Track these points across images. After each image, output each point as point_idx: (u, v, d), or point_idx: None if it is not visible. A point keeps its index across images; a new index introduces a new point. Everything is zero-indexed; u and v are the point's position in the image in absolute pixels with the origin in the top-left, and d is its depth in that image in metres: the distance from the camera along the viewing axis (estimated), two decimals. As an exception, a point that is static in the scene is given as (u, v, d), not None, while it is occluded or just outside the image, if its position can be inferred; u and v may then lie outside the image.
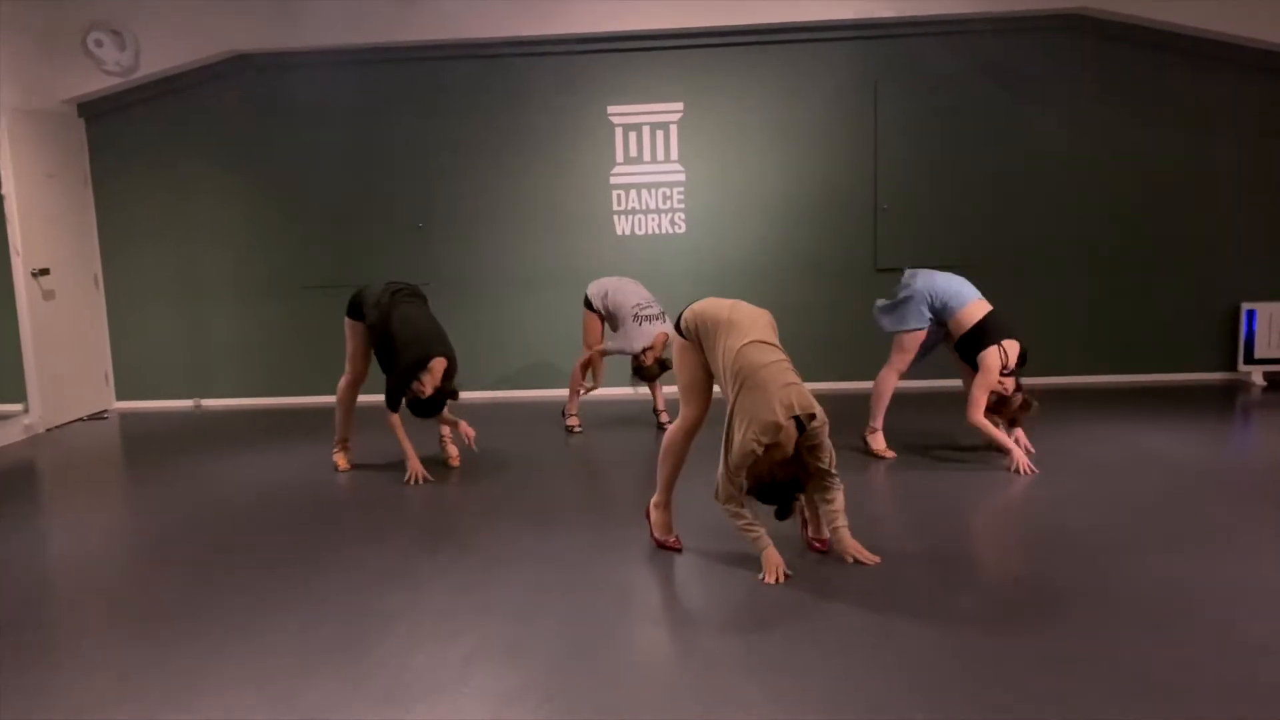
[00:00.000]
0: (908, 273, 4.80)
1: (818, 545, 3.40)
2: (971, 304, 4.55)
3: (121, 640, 2.93)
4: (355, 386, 4.89)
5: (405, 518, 4.06)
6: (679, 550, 3.45)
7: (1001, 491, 4.16)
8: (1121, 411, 5.65)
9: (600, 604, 3.02)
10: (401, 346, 4.39)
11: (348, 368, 4.86)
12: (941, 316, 4.59)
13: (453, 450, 4.93)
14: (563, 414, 5.77)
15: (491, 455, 5.05)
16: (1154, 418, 5.44)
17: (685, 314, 3.35)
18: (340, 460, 4.92)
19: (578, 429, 5.64)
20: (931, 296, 4.58)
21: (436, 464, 4.87)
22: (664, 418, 5.60)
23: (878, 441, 4.80)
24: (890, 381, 4.75)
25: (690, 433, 3.38)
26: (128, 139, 6.87)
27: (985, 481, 4.30)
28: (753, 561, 3.18)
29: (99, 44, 6.22)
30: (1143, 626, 2.72)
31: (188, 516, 4.19)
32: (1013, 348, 4.40)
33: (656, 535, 3.51)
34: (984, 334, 4.43)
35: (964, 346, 4.53)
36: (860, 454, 4.79)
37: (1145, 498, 3.95)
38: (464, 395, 6.86)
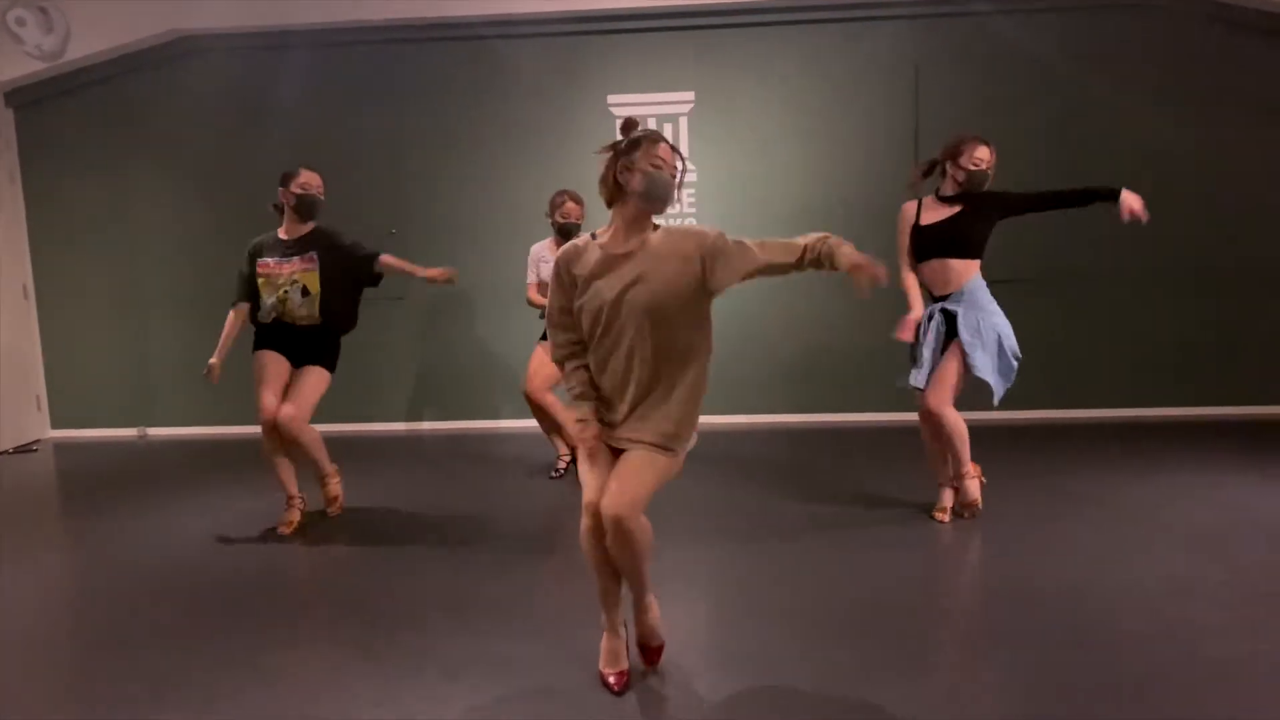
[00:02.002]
0: None
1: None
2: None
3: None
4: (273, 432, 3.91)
5: (346, 603, 3.21)
6: (616, 692, 2.48)
7: (1095, 566, 3.27)
8: (1217, 455, 4.78)
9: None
10: None
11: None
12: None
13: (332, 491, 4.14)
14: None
15: (460, 510, 4.22)
16: (1257, 463, 4.59)
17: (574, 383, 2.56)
18: (289, 520, 3.96)
19: (557, 473, 4.81)
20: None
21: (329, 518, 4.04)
22: None
23: (942, 499, 3.89)
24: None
25: (595, 531, 2.42)
26: (62, 130, 6.09)
27: (1070, 547, 3.43)
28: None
29: (21, 23, 5.40)
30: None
31: (103, 589, 3.39)
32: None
33: (599, 664, 2.59)
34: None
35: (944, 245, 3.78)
36: (920, 511, 3.95)
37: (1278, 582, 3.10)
38: (441, 426, 6.16)
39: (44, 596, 3.38)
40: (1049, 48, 5.56)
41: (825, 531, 3.74)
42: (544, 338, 4.75)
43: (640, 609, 2.60)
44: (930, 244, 3.76)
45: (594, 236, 2.57)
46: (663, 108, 5.82)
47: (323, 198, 3.95)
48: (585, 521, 2.42)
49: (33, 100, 6.01)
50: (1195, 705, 2.30)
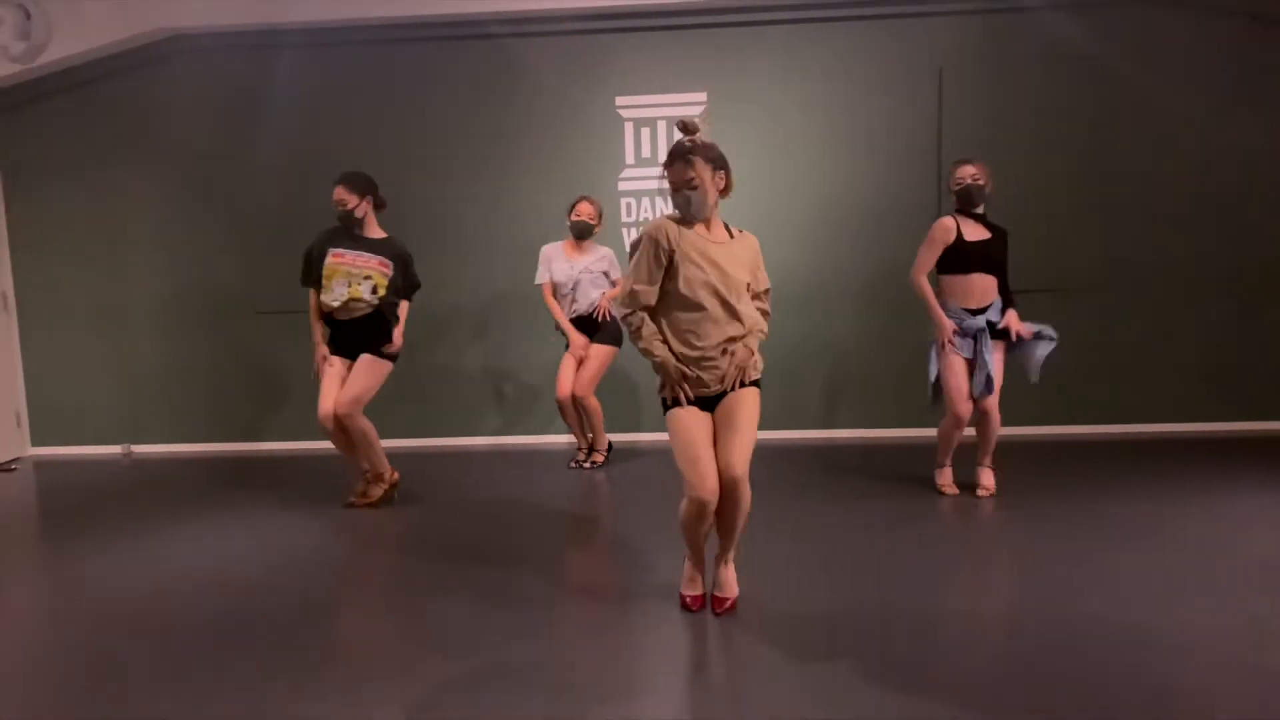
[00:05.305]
0: None
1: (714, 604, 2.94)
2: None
3: None
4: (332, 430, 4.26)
5: (342, 641, 2.92)
6: (694, 611, 2.93)
7: (1156, 604, 2.96)
8: (1272, 475, 4.49)
9: None
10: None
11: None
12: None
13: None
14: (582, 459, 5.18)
15: (468, 537, 3.92)
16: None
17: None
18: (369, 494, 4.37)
19: (574, 465, 5.05)
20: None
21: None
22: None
23: (943, 476, 4.35)
24: (949, 431, 4.24)
25: (706, 506, 2.82)
26: (46, 134, 5.82)
27: (1125, 581, 3.11)
28: None
29: (-1, 20, 5.14)
30: None
31: (83, 620, 3.09)
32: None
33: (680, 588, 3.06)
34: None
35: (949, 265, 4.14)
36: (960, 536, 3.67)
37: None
38: (446, 443, 5.89)
39: (19, 628, 3.08)
40: (1079, 48, 5.30)
41: (859, 549, 3.46)
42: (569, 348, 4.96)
43: (729, 562, 2.98)
44: (975, 259, 4.06)
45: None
46: (673, 109, 5.57)
47: (350, 206, 4.20)
48: (700, 501, 2.68)
49: (14, 102, 5.74)
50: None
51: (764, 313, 2.95)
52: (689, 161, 2.70)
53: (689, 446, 2.71)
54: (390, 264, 4.22)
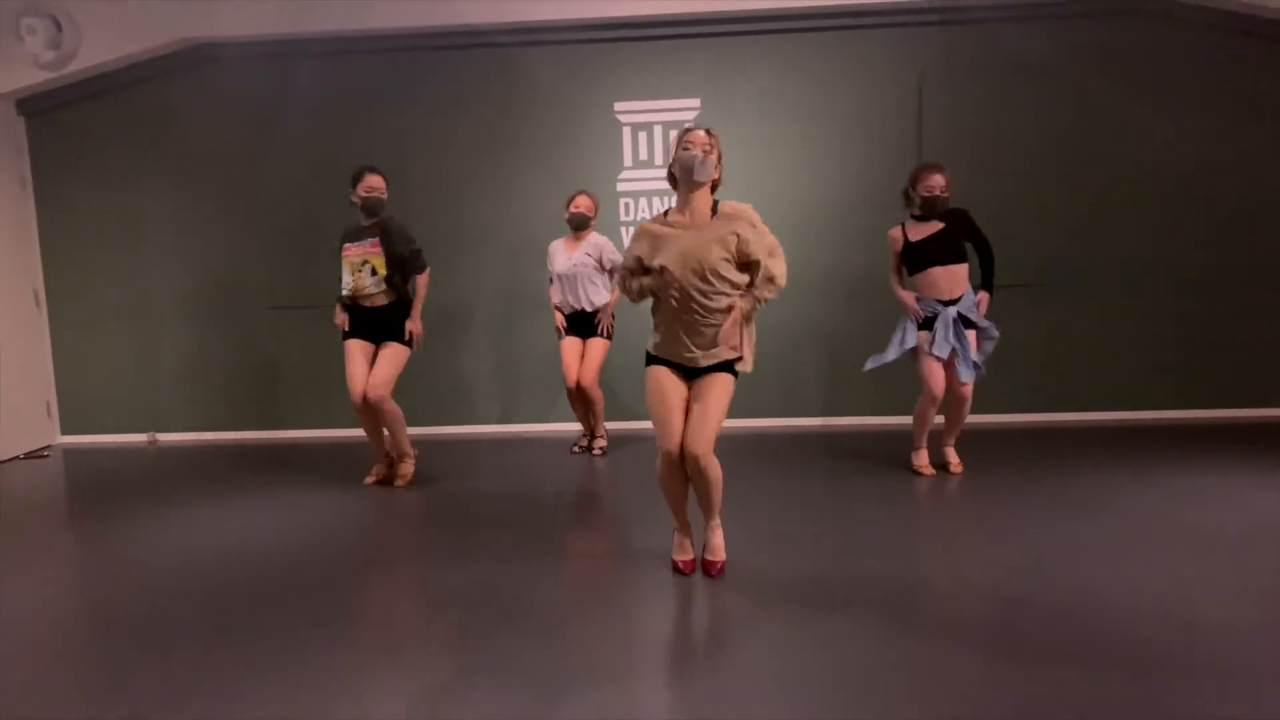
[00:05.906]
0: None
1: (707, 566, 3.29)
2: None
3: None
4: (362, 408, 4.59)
5: (368, 606, 3.24)
6: (687, 574, 3.27)
7: (1100, 569, 3.29)
8: (1217, 457, 4.81)
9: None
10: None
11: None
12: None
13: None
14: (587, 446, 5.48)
15: (484, 514, 4.24)
16: (1257, 464, 4.62)
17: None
18: (376, 472, 4.83)
19: (577, 450, 5.38)
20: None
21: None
22: None
23: (920, 458, 4.66)
24: (926, 411, 4.57)
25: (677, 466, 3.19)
26: (74, 138, 6.11)
27: (1073, 550, 3.44)
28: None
29: (31, 31, 5.43)
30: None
31: (118, 593, 3.37)
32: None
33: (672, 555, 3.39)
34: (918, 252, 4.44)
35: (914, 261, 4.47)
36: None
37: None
38: (452, 430, 6.20)
39: (59, 601, 3.37)
40: (1052, 56, 5.60)
41: (827, 532, 3.80)
42: (559, 335, 5.24)
43: (714, 528, 3.32)
44: (929, 255, 4.38)
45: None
46: (668, 114, 5.87)
47: (385, 196, 4.48)
48: (665, 453, 3.05)
49: (45, 108, 6.03)
50: (1200, 701, 2.34)
51: (768, 279, 3.09)
52: (712, 135, 3.09)
53: (660, 405, 3.08)
54: (379, 241, 4.40)
